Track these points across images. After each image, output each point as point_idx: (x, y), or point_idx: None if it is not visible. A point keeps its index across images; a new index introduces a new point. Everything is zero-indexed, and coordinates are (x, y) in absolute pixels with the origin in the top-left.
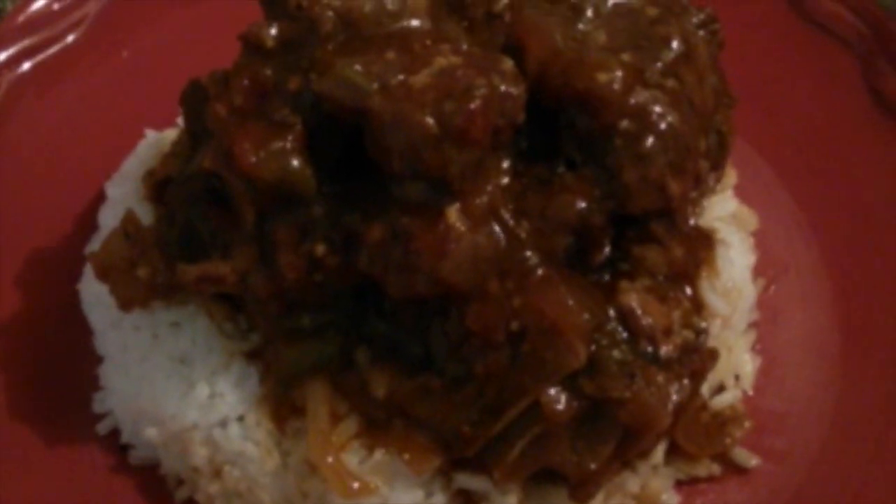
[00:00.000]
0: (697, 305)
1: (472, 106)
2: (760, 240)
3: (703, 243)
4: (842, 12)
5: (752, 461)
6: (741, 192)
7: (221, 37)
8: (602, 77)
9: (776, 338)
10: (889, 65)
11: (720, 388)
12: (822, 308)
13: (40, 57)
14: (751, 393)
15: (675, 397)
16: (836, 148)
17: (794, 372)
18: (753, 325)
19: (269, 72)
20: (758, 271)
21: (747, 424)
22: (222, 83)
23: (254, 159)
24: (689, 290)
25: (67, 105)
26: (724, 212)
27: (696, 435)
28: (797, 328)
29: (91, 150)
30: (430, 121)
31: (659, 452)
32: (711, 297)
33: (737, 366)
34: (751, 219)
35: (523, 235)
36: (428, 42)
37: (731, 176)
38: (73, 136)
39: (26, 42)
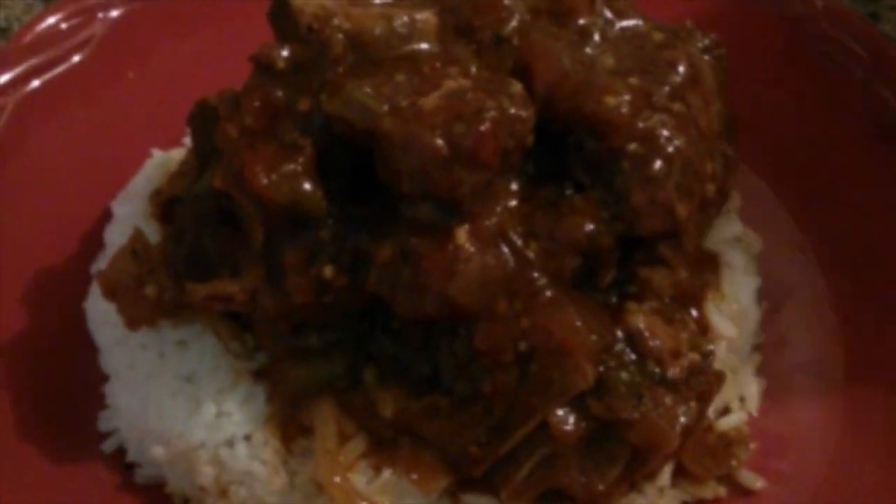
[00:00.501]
0: (703, 327)
1: (482, 128)
2: (765, 263)
3: (709, 266)
4: (844, 39)
5: (758, 483)
6: (745, 216)
7: (228, 58)
8: (610, 100)
9: (781, 361)
10: (891, 91)
11: (725, 410)
12: (826, 332)
13: (47, 76)
14: (756, 415)
15: (682, 419)
16: (838, 173)
17: (799, 395)
18: (758, 347)
19: (279, 93)
20: (762, 294)
21: (753, 446)
22: (233, 104)
23: (265, 181)
24: (694, 313)
25: (73, 124)
26: (729, 234)
27: (702, 457)
28: (802, 351)
29: (97, 170)
30: (440, 142)
31: (665, 474)
32: (717, 320)
33: (742, 388)
34: (755, 242)
35: (532, 256)
36: (437, 65)
37: (735, 199)
38: (79, 156)
39: (33, 61)
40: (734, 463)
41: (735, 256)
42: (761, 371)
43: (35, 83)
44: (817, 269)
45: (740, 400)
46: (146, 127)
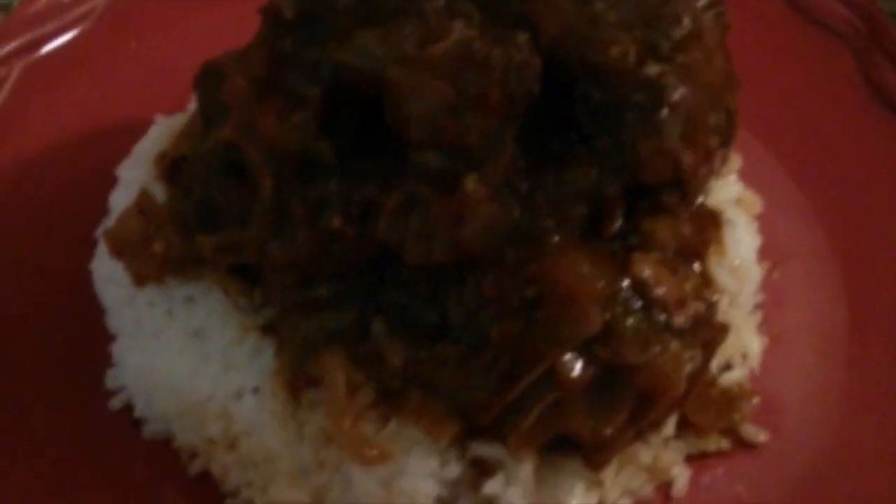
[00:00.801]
0: (706, 281)
1: (492, 74)
2: (763, 224)
3: (711, 222)
4: (837, 8)
5: (760, 436)
6: (744, 178)
7: (231, 27)
8: (615, 50)
9: (781, 320)
10: (884, 58)
11: (727, 366)
12: (826, 291)
13: (50, 46)
14: (757, 372)
15: (688, 365)
16: (834, 136)
17: (800, 353)
18: (758, 306)
19: (287, 43)
20: (762, 255)
21: (755, 400)
22: (241, 57)
23: (277, 130)
24: (697, 267)
25: (77, 94)
26: (729, 195)
27: (706, 409)
28: (802, 311)
29: (101, 138)
30: (448, 88)
31: (670, 425)
32: (720, 274)
33: (744, 344)
34: (755, 203)
35: (539, 204)
36: (443, 17)
37: (734, 160)
38: (83, 124)
39: (36, 32)
40: (737, 416)
41: (735, 215)
42: (762, 329)
43: (38, 53)
44: (816, 229)
45: (742, 356)
46: (149, 95)
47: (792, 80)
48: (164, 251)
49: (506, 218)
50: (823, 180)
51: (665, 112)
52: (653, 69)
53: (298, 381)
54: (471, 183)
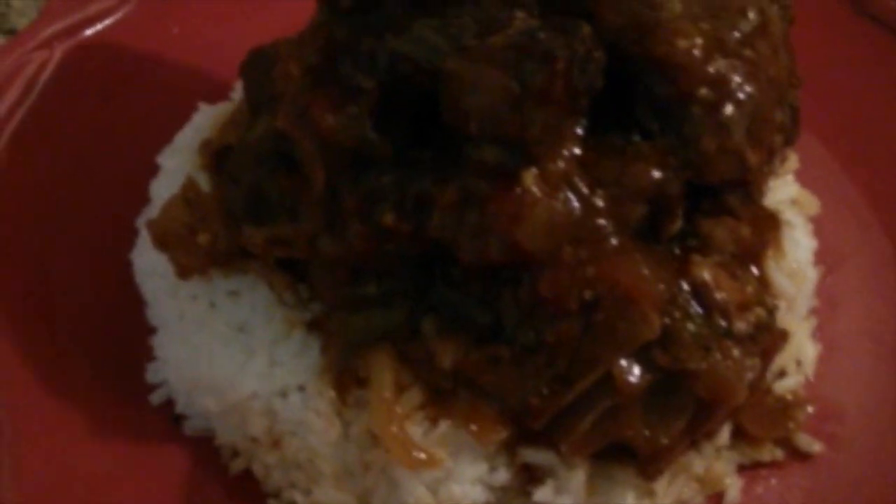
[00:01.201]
0: (764, 285)
1: (556, 66)
2: (818, 227)
3: (770, 223)
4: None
5: (815, 447)
6: (800, 177)
7: (276, 11)
8: (682, 43)
9: (835, 326)
10: None
11: (782, 373)
12: (881, 297)
13: (92, 29)
14: (812, 379)
15: (749, 373)
16: (893, 135)
17: (855, 360)
18: (813, 311)
19: (344, 31)
20: (816, 258)
21: (810, 409)
22: (295, 44)
23: (331, 122)
24: (755, 270)
25: (118, 78)
26: (785, 196)
27: (761, 418)
28: (857, 317)
29: (141, 125)
30: (510, 81)
31: (724, 434)
32: (778, 277)
33: (798, 351)
34: (812, 203)
35: (598, 203)
36: (502, 6)
37: (792, 160)
38: (124, 110)
39: (78, 15)
40: (792, 426)
41: (793, 216)
42: (816, 335)
43: (80, 36)
44: (873, 232)
45: (797, 363)
46: (192, 81)
47: (850, 78)
48: (210, 243)
49: (565, 216)
50: (881, 181)
51: (731, 109)
52: (720, 64)
53: (345, 379)
54: (529, 179)
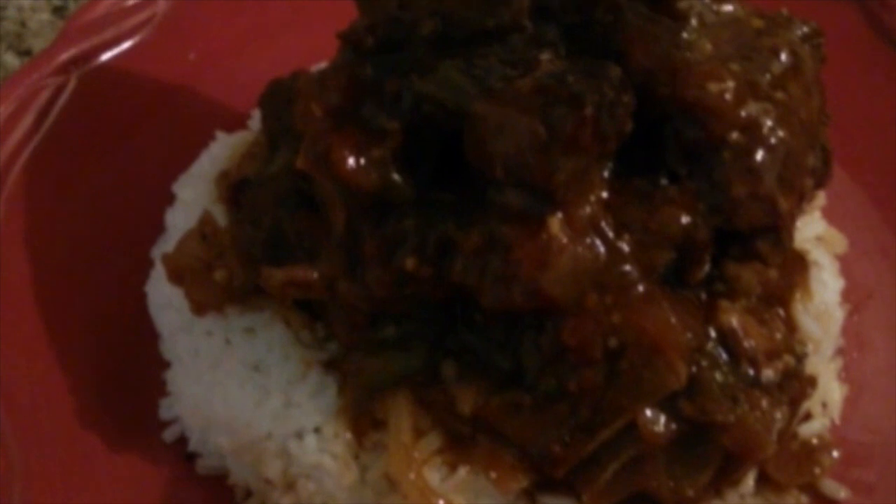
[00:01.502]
0: (791, 328)
1: (585, 112)
2: (845, 262)
3: (798, 265)
4: None
5: (841, 493)
6: (827, 214)
7: (295, 38)
8: (713, 87)
9: (862, 366)
10: None
11: (807, 416)
12: None
13: (108, 55)
14: (838, 422)
15: (778, 423)
16: None
17: (881, 401)
18: (839, 352)
19: (368, 72)
20: (843, 296)
21: (836, 454)
22: (318, 82)
23: (353, 166)
24: (781, 312)
25: (133, 105)
26: (812, 234)
27: (786, 464)
28: (883, 356)
29: (157, 152)
30: (539, 126)
31: (749, 481)
32: (805, 321)
33: (824, 393)
34: (839, 241)
35: (625, 249)
36: (529, 46)
37: (819, 197)
38: (139, 137)
39: (94, 39)
40: (817, 471)
41: (820, 256)
42: (841, 377)
43: (96, 61)
44: None
45: (822, 406)
46: (209, 108)
47: (878, 108)
48: (226, 280)
49: (591, 263)
50: None
51: (762, 154)
52: (751, 108)
53: (362, 422)
54: (556, 225)
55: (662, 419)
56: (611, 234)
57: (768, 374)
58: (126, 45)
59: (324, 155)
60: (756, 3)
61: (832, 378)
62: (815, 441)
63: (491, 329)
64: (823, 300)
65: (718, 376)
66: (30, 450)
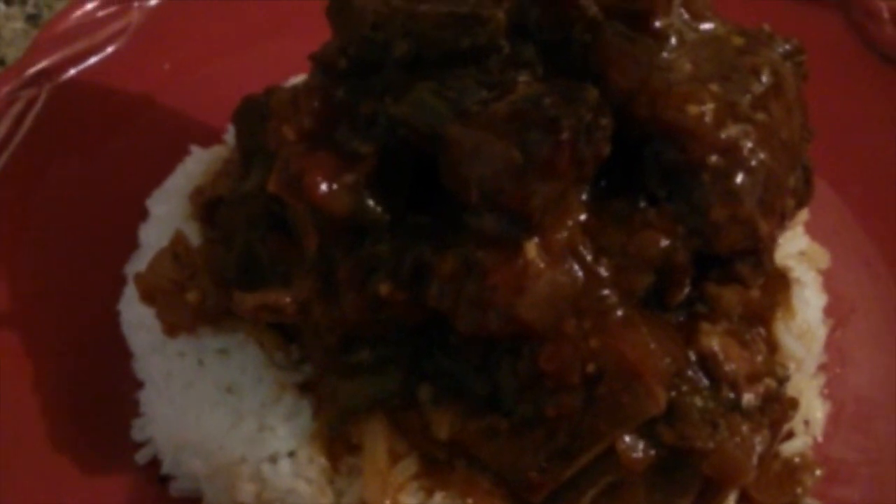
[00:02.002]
0: (772, 348)
1: (561, 136)
2: (827, 278)
3: (780, 283)
4: None
5: None
6: (810, 228)
7: (272, 52)
8: (693, 109)
9: (845, 381)
10: None
11: (789, 435)
12: (893, 350)
13: (81, 66)
14: (820, 440)
15: (758, 448)
16: None
17: (865, 418)
18: (821, 367)
19: (340, 94)
20: (825, 312)
21: (818, 473)
22: (290, 104)
23: (325, 190)
24: (762, 332)
25: (106, 117)
26: (794, 249)
27: (768, 485)
28: (867, 371)
29: (131, 165)
30: (514, 151)
31: (730, 503)
32: (787, 340)
33: (806, 411)
34: (822, 257)
35: (603, 273)
36: (506, 67)
37: (802, 212)
38: (113, 150)
39: (67, 50)
40: (799, 491)
41: (802, 272)
42: (824, 393)
43: (69, 73)
44: (884, 282)
45: (804, 423)
46: (183, 121)
47: (862, 120)
48: (199, 301)
49: (568, 288)
50: (895, 228)
51: (742, 177)
52: (731, 130)
53: (337, 446)
54: (532, 250)
55: (641, 445)
56: (589, 258)
57: (749, 397)
58: (99, 55)
59: (296, 179)
60: (738, 15)
61: (815, 395)
62: (797, 460)
63: (467, 353)
64: (806, 318)
65: (698, 401)
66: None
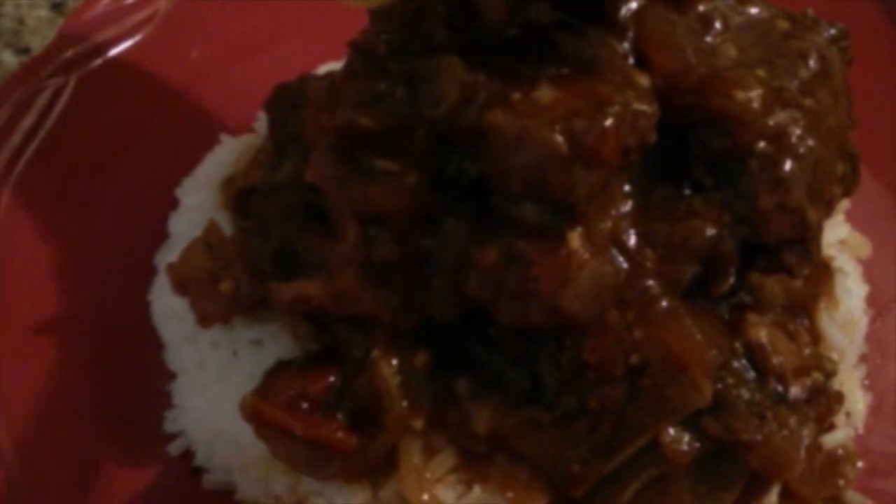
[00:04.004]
0: (815, 338)
1: (606, 124)
2: (869, 266)
3: (822, 273)
4: None
5: None
6: (850, 216)
7: (301, 38)
8: (740, 95)
9: (885, 373)
10: None
11: (830, 427)
12: None
13: (108, 55)
14: (862, 432)
15: (806, 441)
16: None
17: None
18: (862, 359)
19: (382, 86)
20: (866, 302)
21: (860, 465)
22: (328, 93)
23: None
24: (806, 322)
25: (135, 106)
26: (835, 238)
27: (810, 477)
28: None
29: (160, 155)
30: (559, 139)
31: (773, 496)
32: (831, 330)
33: (848, 403)
34: (863, 246)
35: (647, 263)
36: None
37: (843, 200)
38: (142, 140)
39: (95, 39)
40: (842, 483)
41: (844, 262)
42: (864, 385)
43: (96, 62)
44: None
45: (846, 415)
46: (212, 110)
47: None
48: (233, 291)
49: (612, 279)
50: None
51: (791, 164)
52: (779, 116)
53: None
54: (576, 240)
55: (686, 438)
56: (633, 248)
57: (795, 390)
58: (126, 44)
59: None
60: (778, 2)
61: (856, 387)
62: (839, 452)
63: (507, 345)
64: (849, 308)
65: (745, 393)
66: (30, 463)
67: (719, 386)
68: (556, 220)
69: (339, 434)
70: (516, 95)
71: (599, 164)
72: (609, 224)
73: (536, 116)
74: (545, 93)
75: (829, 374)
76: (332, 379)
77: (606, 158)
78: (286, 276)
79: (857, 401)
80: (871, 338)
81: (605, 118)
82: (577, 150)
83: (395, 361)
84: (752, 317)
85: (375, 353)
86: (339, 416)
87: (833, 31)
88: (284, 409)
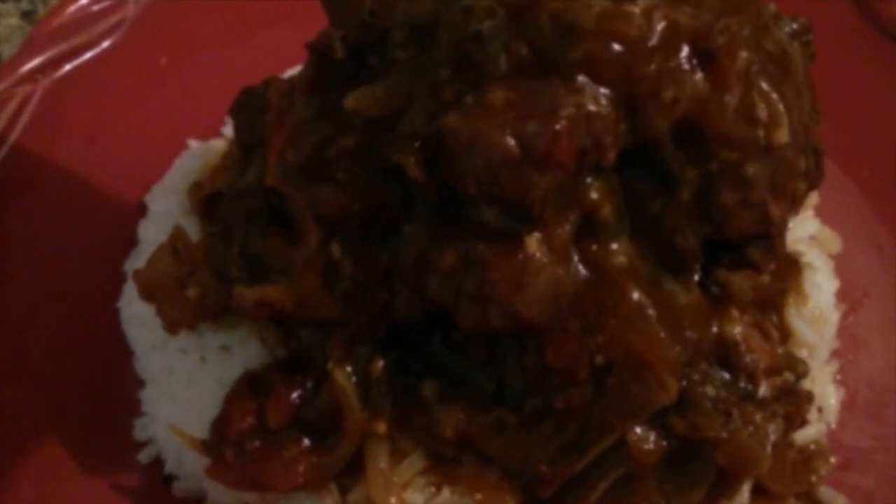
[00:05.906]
0: (784, 334)
1: (558, 127)
2: (839, 262)
3: (791, 268)
4: None
5: (839, 500)
6: (821, 211)
7: (269, 42)
8: None
9: (858, 367)
10: None
11: (802, 422)
12: None
13: (77, 62)
14: (834, 427)
15: (772, 437)
16: None
17: (879, 404)
18: (834, 353)
19: (338, 94)
20: (838, 297)
21: (833, 460)
22: (286, 97)
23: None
24: (775, 318)
25: (104, 113)
26: (805, 233)
27: (782, 473)
28: (880, 356)
29: (129, 161)
30: (510, 142)
31: (744, 493)
32: (799, 326)
33: (820, 398)
34: (834, 241)
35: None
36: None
37: (812, 196)
38: (110, 146)
39: (62, 46)
40: (814, 479)
41: (814, 257)
42: (837, 379)
43: (64, 69)
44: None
45: (818, 410)
46: (181, 116)
47: (872, 102)
48: (199, 297)
49: (571, 284)
50: None
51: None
52: None
53: None
54: (533, 244)
55: (653, 436)
56: (595, 249)
57: (765, 389)
58: (95, 50)
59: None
60: None
61: (828, 382)
62: (811, 447)
63: (471, 348)
64: (818, 303)
65: (710, 391)
66: None
67: (685, 383)
68: (514, 224)
69: (298, 468)
70: (469, 98)
71: (553, 167)
72: (568, 228)
73: (488, 119)
74: (498, 95)
75: (801, 375)
76: (294, 396)
77: (560, 161)
78: (250, 280)
79: (830, 396)
80: (843, 333)
81: (557, 120)
82: (528, 152)
83: (349, 369)
84: (733, 312)
85: (330, 363)
86: (298, 434)
87: (794, 26)
88: (240, 445)
